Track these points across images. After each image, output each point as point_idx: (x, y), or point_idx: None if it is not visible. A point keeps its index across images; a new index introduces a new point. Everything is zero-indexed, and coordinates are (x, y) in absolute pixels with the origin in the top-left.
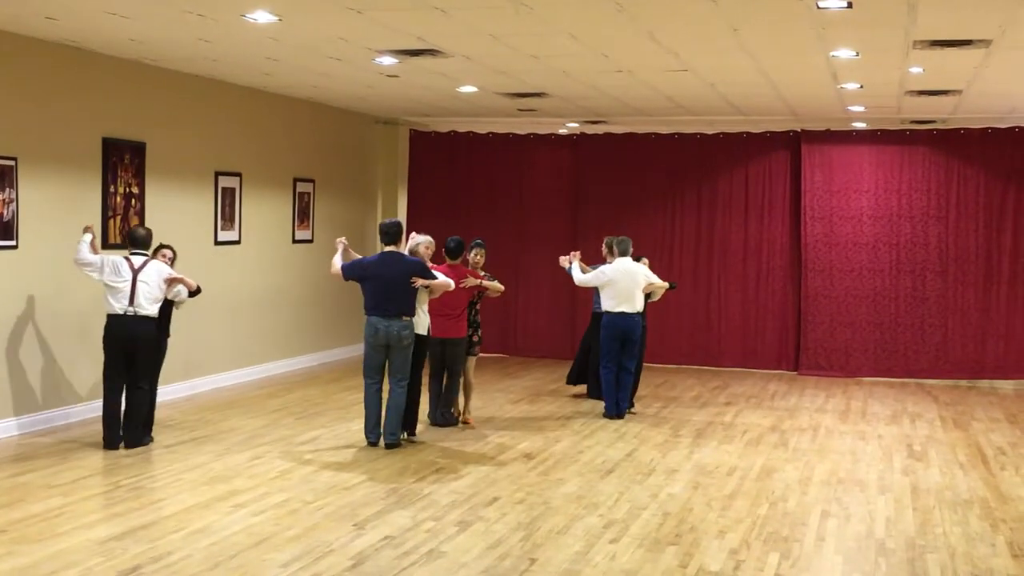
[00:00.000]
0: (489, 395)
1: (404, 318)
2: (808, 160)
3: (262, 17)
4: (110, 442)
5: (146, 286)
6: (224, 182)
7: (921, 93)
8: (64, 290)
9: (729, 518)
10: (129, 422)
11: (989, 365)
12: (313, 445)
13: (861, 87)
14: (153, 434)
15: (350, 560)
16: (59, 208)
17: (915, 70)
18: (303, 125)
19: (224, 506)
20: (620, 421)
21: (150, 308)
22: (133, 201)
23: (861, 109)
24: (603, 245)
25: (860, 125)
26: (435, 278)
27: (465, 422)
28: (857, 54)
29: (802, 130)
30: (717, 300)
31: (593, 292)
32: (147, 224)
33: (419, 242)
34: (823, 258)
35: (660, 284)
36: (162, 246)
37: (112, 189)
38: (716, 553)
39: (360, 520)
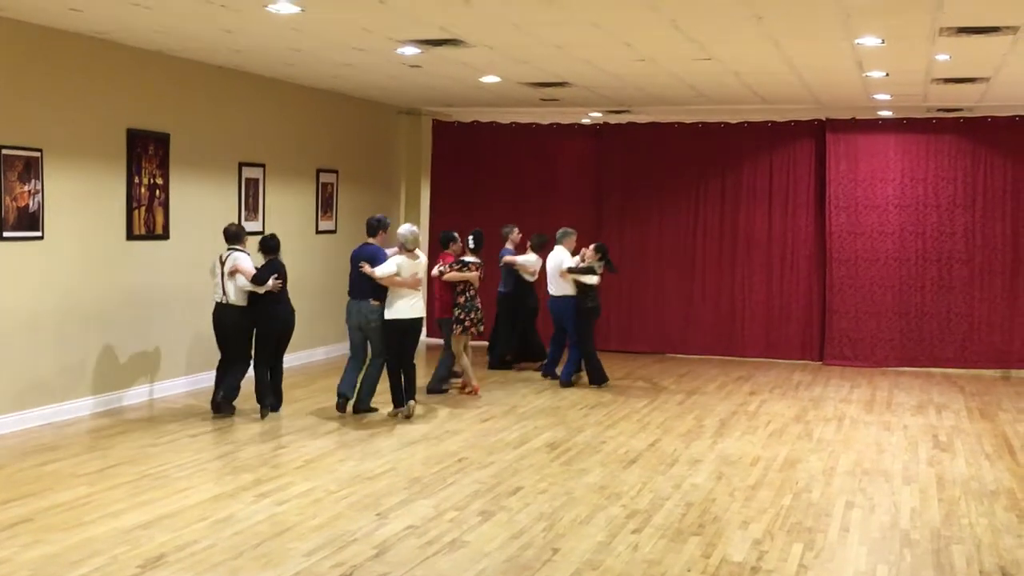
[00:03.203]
0: (512, 385)
1: (373, 302)
2: (833, 149)
3: (284, 8)
4: (216, 410)
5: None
6: (248, 173)
7: (948, 81)
8: (88, 281)
9: (752, 508)
10: (225, 395)
11: (1016, 355)
12: (336, 435)
13: (887, 75)
14: (180, 423)
15: (373, 549)
16: (84, 199)
17: (941, 57)
18: (326, 116)
19: (248, 495)
20: (645, 411)
21: (235, 296)
22: (157, 192)
23: (887, 97)
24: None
25: (886, 113)
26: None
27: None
28: (883, 41)
29: (827, 119)
30: (741, 290)
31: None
32: (171, 214)
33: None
34: (848, 247)
35: (572, 267)
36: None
37: (137, 180)
38: (739, 544)
39: (383, 509)
